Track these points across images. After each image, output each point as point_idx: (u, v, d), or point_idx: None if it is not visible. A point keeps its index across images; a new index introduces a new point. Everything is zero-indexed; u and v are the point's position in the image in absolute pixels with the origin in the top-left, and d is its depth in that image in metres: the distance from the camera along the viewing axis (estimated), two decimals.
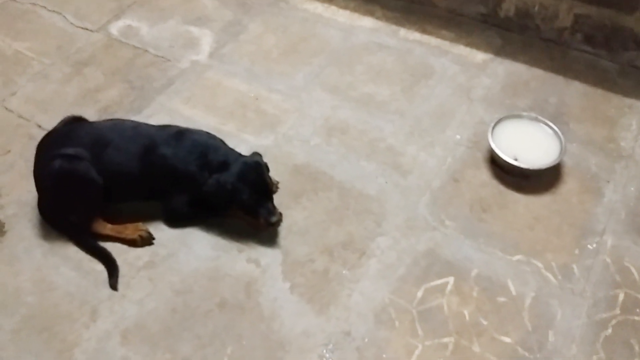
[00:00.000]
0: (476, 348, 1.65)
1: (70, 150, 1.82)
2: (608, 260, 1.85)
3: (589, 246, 1.88)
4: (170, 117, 2.30)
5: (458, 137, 2.22)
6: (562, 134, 2.10)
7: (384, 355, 1.64)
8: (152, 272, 1.84)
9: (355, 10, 2.84)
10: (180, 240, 1.91)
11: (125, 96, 2.41)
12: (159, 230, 1.93)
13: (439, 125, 2.27)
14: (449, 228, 1.93)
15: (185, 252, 1.88)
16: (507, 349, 1.65)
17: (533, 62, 2.54)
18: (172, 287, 1.80)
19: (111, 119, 2.09)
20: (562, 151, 2.04)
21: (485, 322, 1.71)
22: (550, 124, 2.12)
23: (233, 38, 2.71)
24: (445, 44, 2.64)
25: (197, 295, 1.78)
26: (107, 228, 1.90)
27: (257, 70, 2.53)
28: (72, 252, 1.88)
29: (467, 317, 1.72)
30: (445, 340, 1.67)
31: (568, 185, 2.06)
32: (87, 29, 2.75)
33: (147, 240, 1.90)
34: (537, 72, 2.50)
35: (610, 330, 1.69)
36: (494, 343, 1.66)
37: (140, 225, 1.91)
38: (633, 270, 1.82)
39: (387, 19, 2.78)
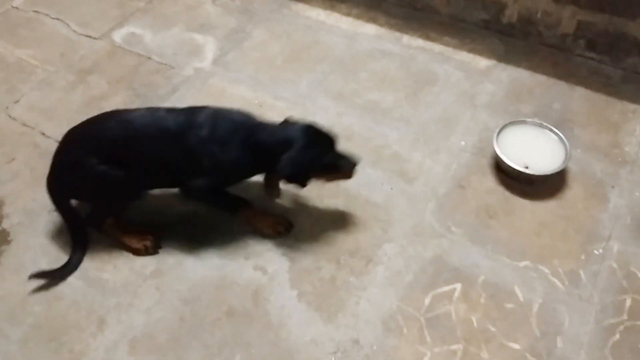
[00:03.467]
0: (485, 355, 1.65)
1: (106, 151, 1.76)
2: (615, 265, 1.85)
3: (595, 252, 1.89)
4: None
5: (463, 143, 2.23)
6: (567, 139, 2.11)
7: None
8: (159, 281, 1.83)
9: (358, 17, 2.85)
10: (188, 249, 1.91)
11: (130, 104, 2.41)
12: (167, 239, 1.93)
13: (444, 131, 2.28)
14: (455, 235, 1.94)
15: (192, 261, 1.88)
16: (516, 356, 1.65)
17: (536, 68, 2.55)
18: (179, 296, 1.79)
19: (143, 109, 1.95)
20: (567, 157, 2.05)
21: (493, 329, 1.71)
22: (555, 129, 2.13)
23: (237, 45, 2.71)
24: (448, 51, 2.65)
25: (204, 304, 1.77)
26: (117, 232, 1.91)
27: (261, 78, 2.54)
28: None
29: (475, 324, 1.72)
30: (454, 347, 1.67)
31: (573, 191, 2.06)
32: (90, 37, 2.75)
33: (150, 250, 1.90)
34: (541, 78, 2.51)
35: (618, 336, 1.69)
36: (503, 349, 1.66)
37: (150, 238, 1.91)
38: None
39: (390, 26, 2.79)
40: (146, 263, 1.88)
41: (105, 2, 2.96)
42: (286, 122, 1.85)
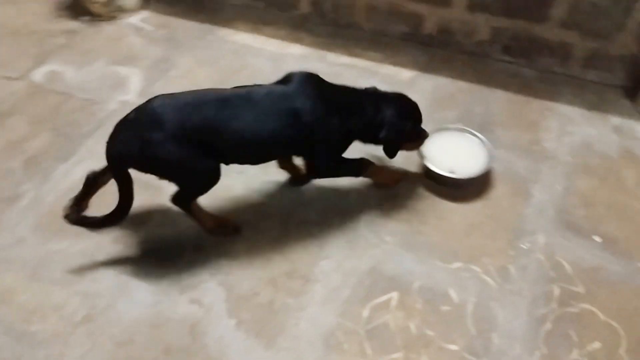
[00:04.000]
0: None
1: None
2: (541, 257, 1.92)
3: (522, 246, 1.95)
4: (99, 162, 2.20)
5: None
6: (490, 141, 2.18)
7: None
8: (90, 327, 1.76)
9: (283, 38, 2.89)
10: (119, 289, 1.85)
11: (53, 144, 2.35)
12: (96, 281, 1.87)
13: None
14: (389, 244, 1.96)
15: (124, 302, 1.82)
16: (455, 357, 1.67)
17: (457, 75, 2.64)
18: (113, 340, 1.73)
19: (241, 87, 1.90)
20: (491, 158, 2.11)
21: (431, 333, 1.73)
22: (477, 133, 2.20)
23: (163, 75, 2.69)
24: (373, 65, 2.71)
25: (140, 345, 1.72)
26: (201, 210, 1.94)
27: None
28: (1, 314, 1.79)
29: (413, 331, 1.73)
30: (394, 356, 1.68)
31: (499, 190, 2.13)
32: (8, 78, 2.67)
33: (228, 232, 1.97)
34: (462, 85, 2.60)
35: (549, 325, 1.74)
36: (442, 352, 1.69)
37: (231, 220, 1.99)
38: (565, 264, 1.90)
39: (316, 45, 2.84)
40: (76, 309, 1.80)
41: (23, 41, 2.89)
42: (375, 91, 1.96)
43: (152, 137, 1.67)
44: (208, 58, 2.78)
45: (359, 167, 2.01)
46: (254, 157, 1.89)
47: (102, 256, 1.95)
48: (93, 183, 1.89)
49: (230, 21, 2.99)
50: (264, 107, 1.78)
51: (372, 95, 1.93)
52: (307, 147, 1.87)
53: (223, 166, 1.81)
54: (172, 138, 1.67)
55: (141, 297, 1.83)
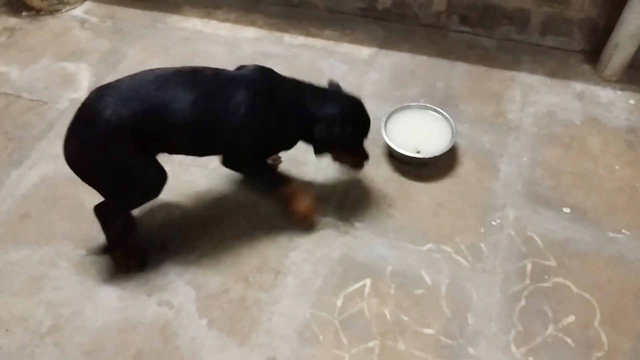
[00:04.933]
0: (401, 346, 1.66)
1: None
2: (512, 233, 1.91)
3: (492, 222, 1.94)
4: (54, 164, 2.15)
5: None
6: (453, 116, 2.15)
7: None
8: (57, 337, 1.70)
9: (236, 22, 2.79)
10: (84, 296, 1.79)
11: (3, 149, 2.23)
12: (60, 289, 1.80)
13: None
14: (358, 230, 1.93)
15: (90, 308, 1.76)
16: (431, 341, 1.67)
17: (416, 49, 2.60)
18: (81, 349, 1.68)
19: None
20: (454, 134, 2.09)
21: (406, 318, 1.72)
22: (439, 109, 2.17)
23: (113, 68, 2.57)
24: (330, 44, 2.64)
25: (110, 352, 1.67)
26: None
27: None
28: None
29: (388, 317, 1.72)
30: (371, 344, 1.67)
31: (465, 167, 2.11)
32: None
33: (134, 269, 1.83)
34: (422, 59, 2.55)
35: (523, 302, 1.75)
36: (418, 337, 1.68)
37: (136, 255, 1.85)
38: (536, 238, 1.90)
39: (270, 27, 2.75)
40: (41, 320, 1.74)
41: None
42: (333, 88, 1.85)
43: (87, 135, 1.56)
44: (158, 47, 2.67)
45: (275, 179, 1.89)
46: (194, 144, 1.72)
47: (64, 263, 1.87)
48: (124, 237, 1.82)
49: (178, 7, 2.87)
50: (206, 90, 1.63)
51: (323, 93, 1.79)
52: (235, 141, 1.71)
53: (184, 161, 1.73)
54: (112, 133, 1.54)
55: (108, 302, 1.77)
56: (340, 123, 1.73)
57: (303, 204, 1.87)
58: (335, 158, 1.88)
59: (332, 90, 1.84)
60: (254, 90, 1.67)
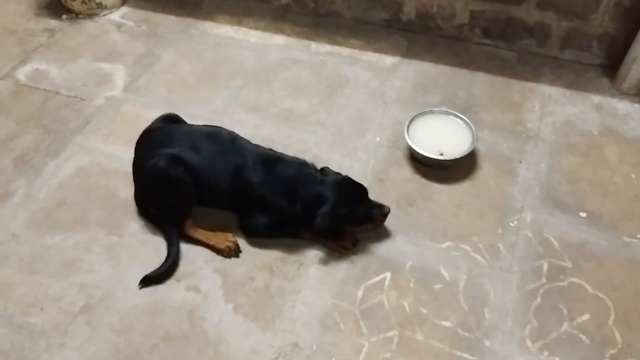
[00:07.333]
0: (419, 337, 1.71)
1: (173, 151, 1.88)
2: (529, 234, 1.97)
3: (510, 224, 2.00)
4: (90, 157, 2.26)
5: (378, 139, 2.31)
6: (473, 123, 2.22)
7: (333, 359, 1.67)
8: (89, 316, 1.79)
9: (265, 29, 2.90)
10: (115, 279, 1.88)
11: (41, 141, 2.35)
12: (92, 272, 1.89)
13: (359, 130, 2.35)
14: None
15: (121, 291, 1.85)
16: (449, 333, 1.72)
17: (439, 59, 2.68)
18: (112, 328, 1.76)
19: (209, 126, 2.09)
20: (475, 139, 2.16)
21: (425, 311, 1.77)
22: (461, 115, 2.24)
23: (147, 69, 2.69)
24: (355, 53, 2.74)
25: (139, 332, 1.75)
26: (198, 232, 1.95)
27: (175, 99, 2.53)
28: (0, 308, 1.80)
29: (407, 309, 1.78)
30: (390, 334, 1.73)
31: (484, 171, 2.18)
32: None
33: (234, 252, 1.92)
34: (444, 69, 2.64)
35: (539, 299, 1.80)
36: (436, 329, 1.73)
37: (230, 236, 1.94)
38: (553, 240, 1.95)
39: (298, 35, 2.86)
40: (74, 300, 1.83)
41: (4, 41, 2.87)
42: (322, 174, 1.92)
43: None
44: (191, 52, 2.79)
45: (292, 233, 1.97)
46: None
47: (97, 248, 1.97)
48: None
49: (211, 14, 3.00)
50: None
51: (311, 181, 1.88)
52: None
53: None
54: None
55: (138, 285, 1.85)
56: (332, 213, 1.81)
57: (329, 242, 1.94)
58: (358, 231, 1.95)
59: (318, 179, 1.90)
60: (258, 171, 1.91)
